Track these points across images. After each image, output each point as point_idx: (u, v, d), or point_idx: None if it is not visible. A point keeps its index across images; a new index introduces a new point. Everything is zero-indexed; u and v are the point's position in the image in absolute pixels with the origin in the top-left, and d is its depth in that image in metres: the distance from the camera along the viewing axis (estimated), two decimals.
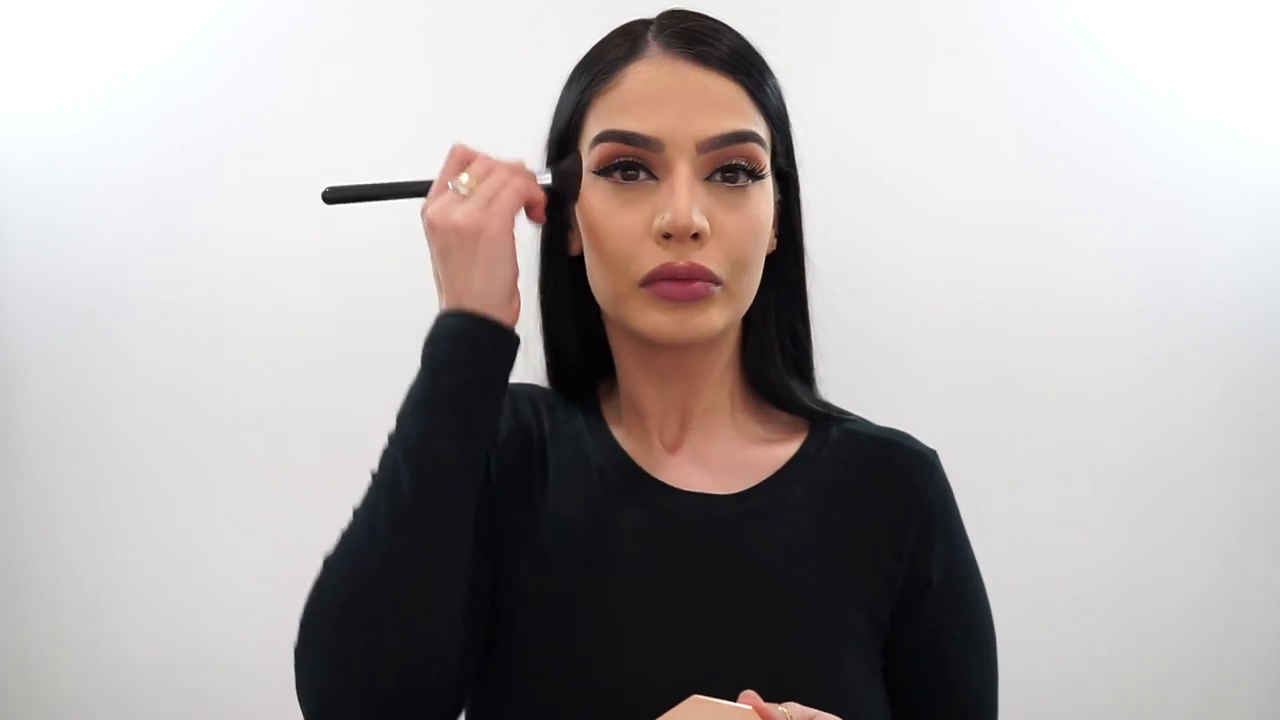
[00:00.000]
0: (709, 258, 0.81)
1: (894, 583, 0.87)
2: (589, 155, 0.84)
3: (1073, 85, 1.50)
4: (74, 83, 1.55)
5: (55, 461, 1.58)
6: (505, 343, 0.81)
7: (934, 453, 0.92)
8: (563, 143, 0.87)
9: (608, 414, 0.93)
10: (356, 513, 0.80)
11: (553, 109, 0.90)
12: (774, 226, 0.88)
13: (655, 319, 0.82)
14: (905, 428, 0.95)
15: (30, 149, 1.56)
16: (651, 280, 0.81)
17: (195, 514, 1.56)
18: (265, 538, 1.54)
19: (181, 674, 1.57)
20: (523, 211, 0.85)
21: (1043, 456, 1.52)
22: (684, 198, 0.80)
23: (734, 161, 0.82)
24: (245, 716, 1.54)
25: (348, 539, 0.79)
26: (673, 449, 0.90)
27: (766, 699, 0.72)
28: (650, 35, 0.84)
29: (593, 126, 0.84)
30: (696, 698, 0.71)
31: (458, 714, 0.84)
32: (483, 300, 0.80)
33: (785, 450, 0.90)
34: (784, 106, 0.88)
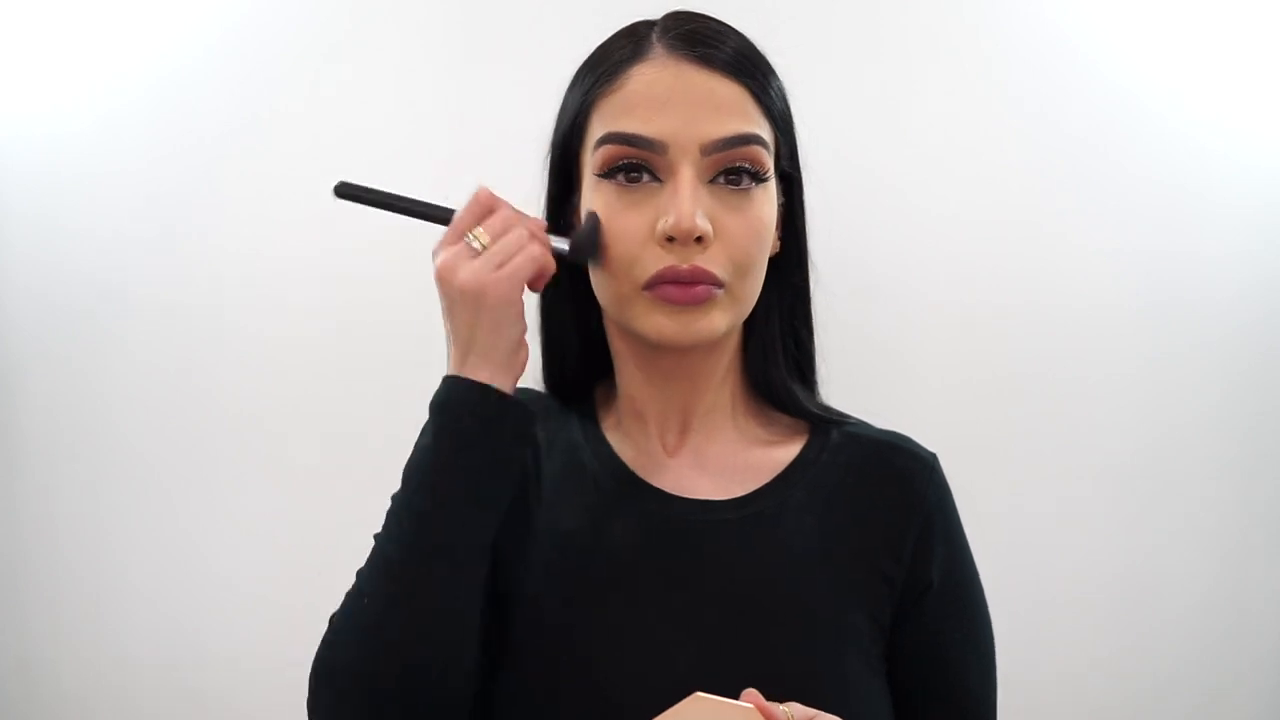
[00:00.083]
0: (712, 261, 0.81)
1: (894, 585, 0.87)
2: (592, 157, 0.83)
3: (1073, 85, 1.50)
4: (74, 83, 1.54)
5: (55, 461, 1.58)
6: (511, 413, 0.80)
7: (934, 455, 0.92)
8: (567, 144, 0.87)
9: (605, 418, 0.93)
10: (361, 577, 0.80)
11: (556, 110, 0.90)
12: (777, 228, 0.88)
13: (658, 322, 0.82)
14: (905, 428, 0.95)
15: (30, 149, 1.55)
16: (655, 283, 0.81)
17: (195, 514, 1.56)
18: (265, 538, 1.54)
19: (181, 674, 1.57)
20: None
21: (1043, 457, 1.52)
22: (687, 201, 0.80)
23: (738, 164, 0.82)
24: (245, 716, 1.54)
25: (354, 605, 0.79)
26: (673, 451, 0.90)
27: (768, 700, 0.72)
28: (654, 37, 0.84)
29: (596, 128, 0.84)
30: (698, 695, 0.71)
31: None
32: (488, 360, 0.79)
33: (786, 453, 0.90)
34: (788, 108, 0.88)
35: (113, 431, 1.57)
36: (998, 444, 1.51)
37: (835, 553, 0.86)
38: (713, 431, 0.90)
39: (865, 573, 0.87)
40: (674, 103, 0.81)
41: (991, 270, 1.51)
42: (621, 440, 0.91)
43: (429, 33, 1.52)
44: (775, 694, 0.74)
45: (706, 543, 0.85)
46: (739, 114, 0.82)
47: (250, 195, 1.53)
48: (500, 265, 0.79)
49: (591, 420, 0.92)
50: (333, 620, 0.80)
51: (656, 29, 0.85)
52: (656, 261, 0.81)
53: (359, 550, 0.82)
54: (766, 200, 0.84)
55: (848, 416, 0.94)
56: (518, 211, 0.82)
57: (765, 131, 0.84)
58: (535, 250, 0.80)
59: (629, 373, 0.90)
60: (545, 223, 0.84)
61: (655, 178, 0.82)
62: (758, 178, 0.83)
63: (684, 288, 0.81)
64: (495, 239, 0.80)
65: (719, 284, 0.82)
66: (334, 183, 0.84)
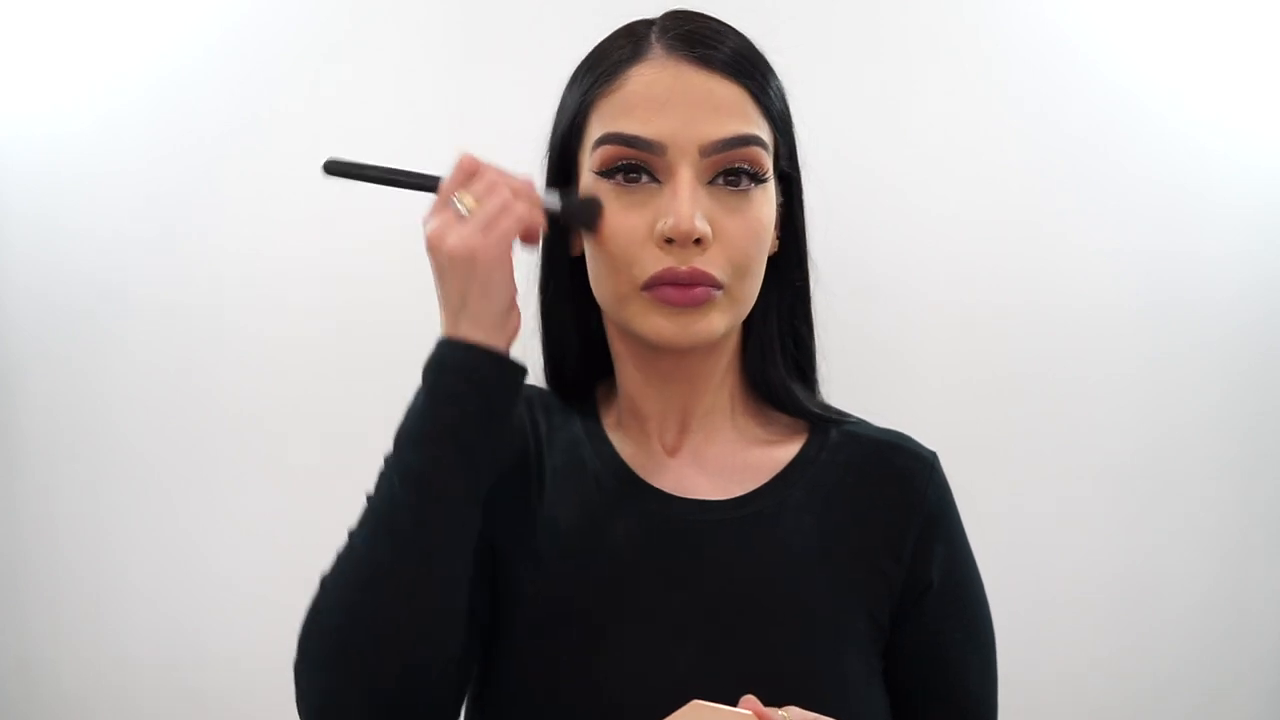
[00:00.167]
0: (711, 262, 0.81)
1: (894, 585, 0.87)
2: (591, 157, 0.83)
3: (1073, 85, 1.50)
4: (74, 83, 1.55)
5: (55, 461, 1.58)
6: (507, 373, 0.80)
7: (934, 455, 0.92)
8: (565, 144, 0.87)
9: (606, 417, 0.93)
10: (352, 536, 0.80)
11: (554, 109, 0.90)
12: (776, 228, 0.88)
13: (657, 323, 0.82)
14: (905, 428, 0.94)
15: (30, 149, 1.55)
16: (653, 284, 0.81)
17: (195, 514, 1.56)
18: (265, 538, 1.54)
19: (181, 674, 1.57)
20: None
21: (1043, 457, 1.52)
22: (686, 202, 0.80)
23: (737, 165, 0.82)
24: (245, 716, 1.54)
25: (344, 564, 0.79)
26: (672, 451, 0.90)
27: (767, 701, 0.72)
28: (653, 37, 0.84)
29: (595, 128, 0.83)
30: (696, 703, 0.70)
31: None
32: (479, 324, 0.79)
33: (785, 452, 0.90)
34: (787, 108, 0.88)
35: (113, 431, 1.57)
36: (998, 444, 1.51)
37: (835, 552, 0.86)
38: (712, 432, 0.90)
39: (865, 572, 0.87)
40: (673, 103, 0.81)
41: (991, 270, 1.51)
42: (622, 439, 0.91)
43: (429, 33, 1.52)
44: (774, 693, 0.74)
45: (706, 542, 0.85)
46: (738, 115, 0.82)
47: (250, 195, 1.53)
48: (488, 228, 0.79)
49: (593, 419, 0.92)
50: (323, 581, 0.80)
51: (655, 29, 0.85)
52: (655, 263, 0.81)
53: (351, 524, 0.81)
54: (765, 201, 0.84)
55: (847, 415, 0.94)
56: (504, 173, 0.82)
57: (764, 132, 0.83)
58: (521, 209, 0.80)
59: (628, 373, 0.90)
60: (532, 180, 0.84)
61: (654, 178, 0.82)
62: (757, 178, 0.83)
63: (682, 289, 0.81)
64: (481, 202, 0.80)
65: (718, 285, 0.81)
66: (324, 161, 0.84)
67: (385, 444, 0.82)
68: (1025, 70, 1.50)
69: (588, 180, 0.84)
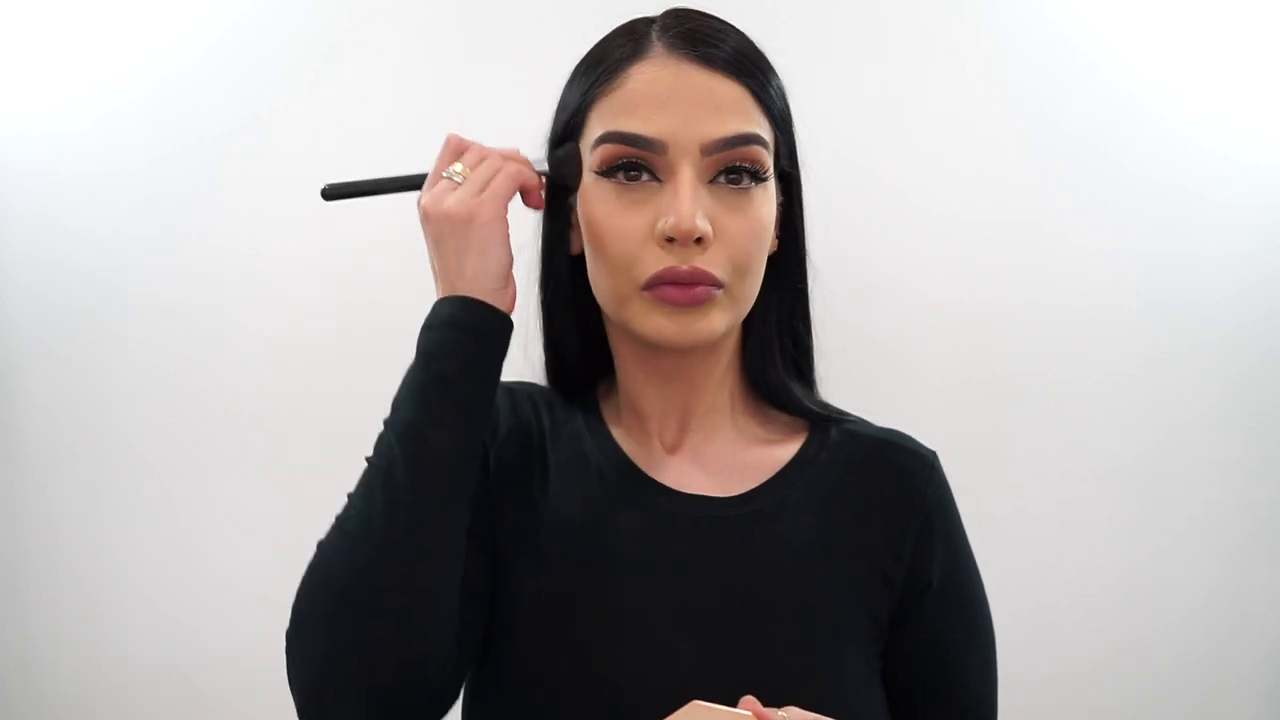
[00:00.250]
0: (711, 261, 0.81)
1: (894, 584, 0.87)
2: (591, 155, 0.83)
3: (1073, 85, 1.50)
4: (74, 83, 1.55)
5: (55, 461, 1.58)
6: (500, 326, 0.82)
7: (934, 454, 0.92)
8: (564, 142, 0.87)
9: (607, 414, 0.93)
10: (351, 499, 0.80)
11: (554, 108, 0.90)
12: (776, 228, 0.88)
13: (657, 323, 0.82)
14: (905, 428, 0.94)
15: (30, 149, 1.55)
16: (654, 284, 0.81)
17: (195, 514, 1.56)
18: (265, 538, 1.54)
19: (181, 674, 1.57)
20: (519, 199, 0.85)
21: (1042, 457, 1.52)
22: (687, 201, 0.80)
23: (738, 164, 0.82)
24: (245, 716, 1.54)
25: (343, 526, 0.79)
26: (672, 450, 0.90)
27: (767, 700, 0.72)
28: (654, 35, 0.84)
29: (595, 127, 0.83)
30: (696, 703, 0.70)
31: (447, 709, 0.84)
32: (477, 286, 0.81)
33: (785, 451, 0.90)
34: (788, 107, 0.88)
35: (113, 431, 1.57)
36: (998, 444, 1.51)
37: (835, 551, 0.86)
38: (712, 431, 0.90)
39: (865, 571, 0.87)
40: (674, 102, 0.81)
41: (991, 270, 1.51)
42: (623, 437, 0.91)
43: (429, 33, 1.52)
44: (774, 691, 0.74)
45: (707, 539, 0.85)
46: (739, 113, 0.82)
47: (250, 195, 1.53)
48: (483, 188, 0.81)
49: (595, 415, 0.92)
50: (320, 543, 0.80)
51: (656, 27, 0.85)
52: (656, 262, 0.81)
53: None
54: (766, 200, 0.84)
55: (846, 414, 0.94)
56: (490, 146, 0.85)
57: (765, 131, 0.83)
58: (513, 167, 0.83)
59: (628, 372, 0.90)
60: (518, 148, 0.86)
61: (655, 177, 0.82)
62: (757, 177, 0.83)
63: (683, 289, 0.81)
64: (473, 168, 0.82)
65: (718, 285, 0.81)
66: (321, 189, 0.86)
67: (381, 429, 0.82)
68: (1025, 70, 1.50)
69: (588, 180, 0.84)
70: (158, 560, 1.56)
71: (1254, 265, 1.52)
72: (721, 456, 0.89)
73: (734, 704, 0.71)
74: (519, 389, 0.94)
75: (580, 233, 0.86)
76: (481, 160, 0.83)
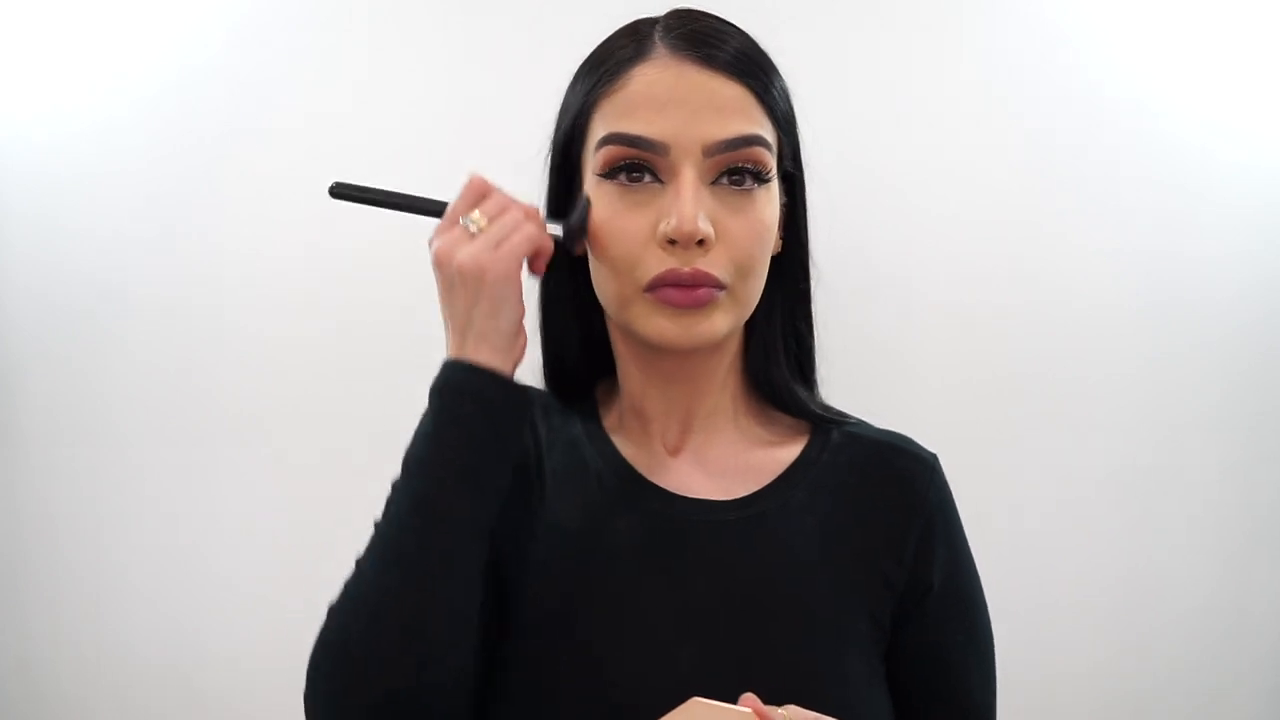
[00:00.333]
0: (714, 263, 0.81)
1: (895, 586, 0.87)
2: (594, 157, 0.83)
3: (1073, 85, 1.50)
4: (74, 83, 1.54)
5: (55, 462, 1.58)
6: (512, 397, 0.80)
7: (935, 456, 0.92)
8: (568, 144, 0.87)
9: (606, 417, 0.92)
10: (359, 563, 0.79)
11: (558, 107, 0.89)
12: (779, 228, 0.87)
13: (659, 324, 0.82)
14: (905, 428, 0.94)
15: (30, 149, 1.55)
16: (656, 285, 0.81)
17: (195, 514, 1.56)
18: (265, 538, 1.54)
19: (181, 674, 1.57)
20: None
21: (1042, 457, 1.52)
22: (689, 203, 0.80)
23: (740, 165, 0.82)
24: (245, 716, 1.54)
25: (351, 591, 0.79)
26: (674, 452, 0.90)
27: (769, 701, 0.72)
28: (657, 36, 0.84)
29: (598, 128, 0.83)
30: (696, 700, 0.71)
31: None
32: (486, 343, 0.79)
33: (787, 453, 0.90)
34: (791, 108, 0.88)
35: (113, 431, 1.57)
36: (998, 444, 1.51)
37: (836, 553, 0.86)
38: (714, 432, 0.90)
39: (866, 574, 0.87)
40: (676, 104, 0.81)
41: (991, 270, 1.51)
42: (623, 440, 0.91)
43: (429, 33, 1.52)
44: (775, 693, 0.74)
45: (708, 542, 0.85)
46: (741, 115, 0.82)
47: (250, 195, 1.53)
48: (498, 245, 0.79)
49: (593, 419, 0.92)
50: (331, 610, 0.79)
51: (659, 28, 0.85)
52: (658, 264, 0.81)
53: (359, 550, 0.81)
54: (769, 201, 0.84)
55: (848, 416, 0.94)
56: (512, 198, 0.82)
57: (768, 132, 0.83)
58: (531, 229, 0.81)
59: (630, 373, 0.90)
60: (539, 208, 0.84)
61: (657, 178, 0.82)
62: (760, 179, 0.83)
63: (685, 290, 0.80)
64: (492, 220, 0.80)
65: (720, 286, 0.81)
66: (329, 184, 0.84)
67: (385, 444, 0.82)
68: (1026, 70, 1.50)
69: (590, 182, 0.84)
70: (158, 560, 1.56)
71: (1254, 265, 1.52)
72: (724, 458, 0.89)
73: (734, 703, 0.71)
74: None
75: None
76: (502, 213, 0.80)
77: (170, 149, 1.54)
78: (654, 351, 0.86)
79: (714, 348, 0.86)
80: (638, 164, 0.81)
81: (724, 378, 0.90)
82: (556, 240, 0.83)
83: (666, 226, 0.80)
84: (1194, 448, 1.53)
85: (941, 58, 1.51)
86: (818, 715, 0.74)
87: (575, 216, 0.83)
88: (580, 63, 0.88)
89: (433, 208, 0.83)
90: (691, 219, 0.79)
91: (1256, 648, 1.55)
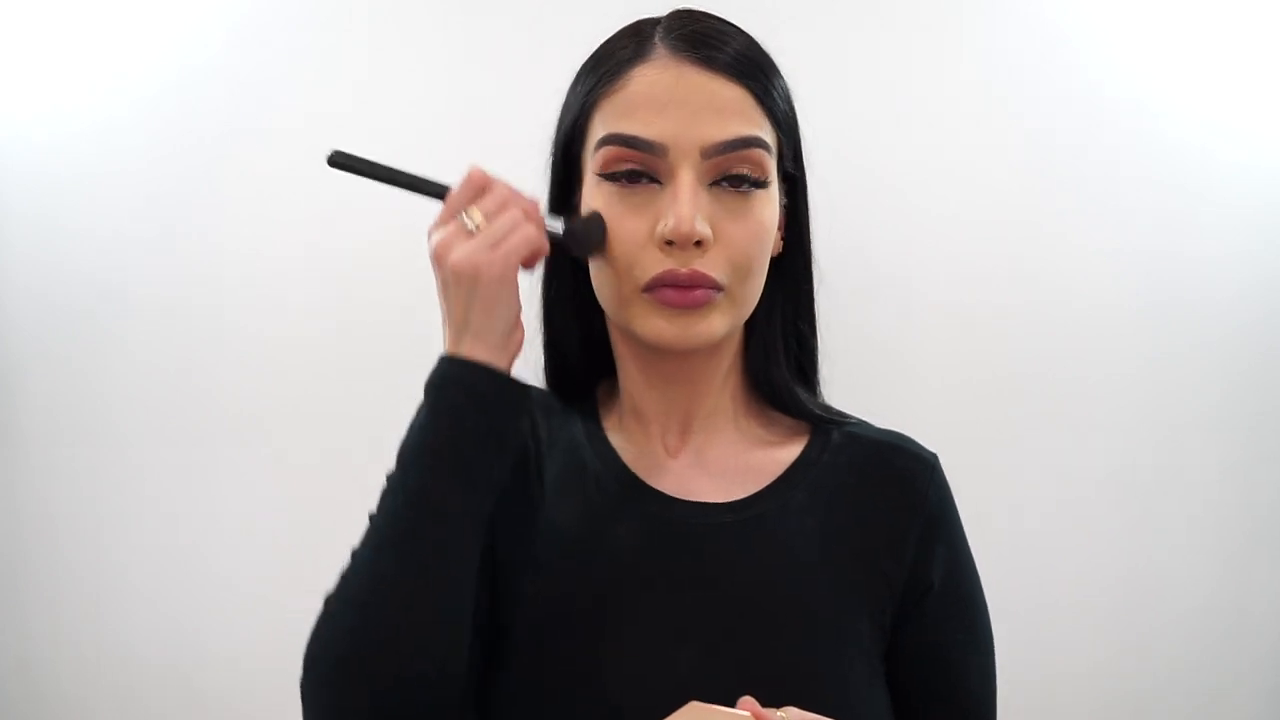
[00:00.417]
0: (711, 264, 0.81)
1: (895, 586, 0.87)
2: (594, 158, 0.83)
3: (1073, 86, 1.50)
4: (74, 83, 1.55)
5: (55, 462, 1.58)
6: (507, 391, 0.80)
7: (935, 456, 0.92)
8: (568, 144, 0.87)
9: (607, 418, 0.92)
10: (354, 553, 0.79)
11: (558, 107, 0.89)
12: (781, 229, 0.87)
13: (657, 325, 0.82)
14: (906, 428, 0.94)
15: (30, 149, 1.55)
16: (654, 286, 0.81)
17: (195, 514, 1.56)
18: (265, 538, 1.54)
19: (181, 674, 1.57)
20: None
21: (1042, 457, 1.52)
22: (687, 205, 0.79)
23: (738, 167, 0.82)
24: (245, 716, 1.55)
25: (346, 581, 0.79)
26: (674, 453, 0.90)
27: (769, 703, 0.72)
28: (658, 37, 0.84)
29: (597, 128, 0.83)
30: (694, 704, 0.70)
31: None
32: (482, 341, 0.79)
33: (787, 454, 0.90)
34: (792, 110, 0.87)
35: (113, 431, 1.57)
36: (998, 444, 1.51)
37: (836, 554, 0.86)
38: (714, 433, 0.90)
39: (866, 574, 0.86)
40: (675, 105, 0.80)
41: (991, 270, 1.51)
42: (623, 441, 0.91)
43: (430, 32, 1.52)
44: (776, 695, 0.74)
45: (707, 545, 0.85)
46: (740, 116, 0.82)
47: (250, 195, 1.53)
48: (494, 246, 0.78)
49: (593, 420, 0.92)
50: (327, 600, 0.79)
51: (660, 28, 0.84)
52: (656, 264, 0.81)
53: (355, 543, 0.81)
54: (768, 203, 0.84)
55: (848, 416, 0.94)
56: (513, 190, 0.82)
57: (767, 134, 0.83)
58: (530, 231, 0.80)
59: (630, 374, 0.90)
60: (539, 203, 0.83)
61: (655, 180, 0.82)
62: (759, 181, 0.83)
63: (683, 291, 0.80)
64: (489, 219, 0.79)
65: (718, 287, 0.81)
66: (329, 152, 0.83)
67: (385, 444, 0.82)
68: (1026, 70, 1.50)
69: (590, 182, 0.84)
70: (158, 560, 1.56)
71: (1254, 265, 1.52)
72: (724, 459, 0.89)
73: (733, 706, 0.71)
74: None
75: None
76: (501, 210, 0.79)
77: (170, 149, 1.54)
78: (653, 352, 0.85)
79: (713, 348, 0.86)
80: (636, 170, 0.81)
81: (724, 378, 0.90)
82: (554, 239, 0.83)
83: (664, 227, 0.80)
84: (1194, 448, 1.53)
85: (941, 58, 1.51)
86: (816, 717, 0.73)
87: (592, 239, 0.82)
88: (581, 63, 0.88)
89: (432, 189, 0.82)
90: (689, 220, 0.79)
91: (1256, 648, 1.55)
